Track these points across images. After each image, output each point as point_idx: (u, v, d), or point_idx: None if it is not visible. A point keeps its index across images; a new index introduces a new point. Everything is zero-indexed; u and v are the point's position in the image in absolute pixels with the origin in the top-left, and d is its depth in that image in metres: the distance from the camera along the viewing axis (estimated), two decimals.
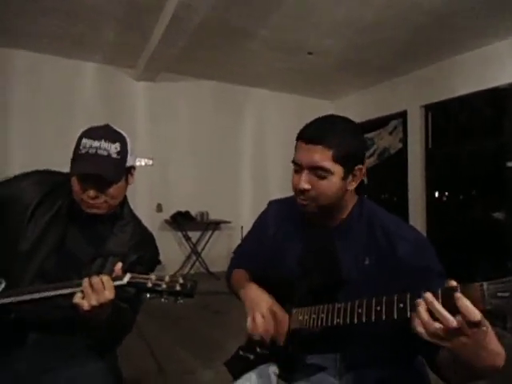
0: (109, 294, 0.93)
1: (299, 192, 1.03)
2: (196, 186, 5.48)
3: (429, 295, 0.70)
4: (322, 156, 0.98)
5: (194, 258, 5.42)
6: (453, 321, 0.66)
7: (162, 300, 0.94)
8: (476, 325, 0.66)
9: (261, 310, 1.00)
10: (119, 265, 0.99)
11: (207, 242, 5.45)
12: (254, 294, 1.06)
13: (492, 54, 4.30)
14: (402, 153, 5.43)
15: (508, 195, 4.26)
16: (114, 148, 1.12)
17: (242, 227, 4.83)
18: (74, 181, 1.12)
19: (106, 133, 1.14)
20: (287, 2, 3.50)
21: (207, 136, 5.65)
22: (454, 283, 0.70)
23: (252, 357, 1.11)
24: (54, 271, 1.12)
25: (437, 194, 5.17)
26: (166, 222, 5.33)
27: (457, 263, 4.52)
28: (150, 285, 0.93)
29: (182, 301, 0.94)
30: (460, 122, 4.87)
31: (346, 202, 1.08)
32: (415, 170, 5.21)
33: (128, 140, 1.18)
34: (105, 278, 0.95)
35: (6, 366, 1.06)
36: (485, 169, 4.65)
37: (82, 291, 0.94)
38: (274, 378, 1.06)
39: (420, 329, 0.70)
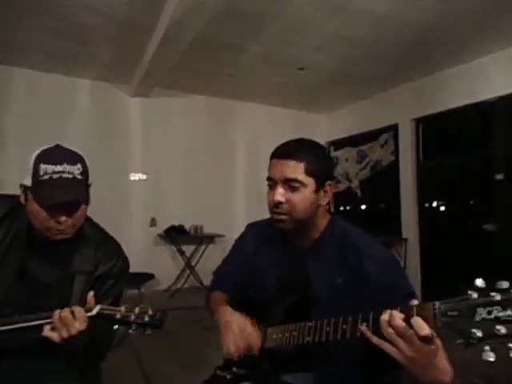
0: (79, 326, 0.93)
1: (274, 206, 1.06)
2: (190, 200, 5.50)
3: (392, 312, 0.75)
4: (294, 169, 1.04)
5: (187, 271, 5.41)
6: (408, 330, 0.71)
7: (130, 331, 0.94)
8: (426, 340, 0.70)
9: (232, 328, 1.04)
10: (91, 294, 1.00)
11: (201, 255, 5.46)
12: (227, 316, 1.10)
13: (479, 67, 4.39)
14: (394, 165, 5.48)
15: (497, 207, 4.31)
16: (76, 169, 1.08)
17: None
18: (37, 210, 1.05)
19: (65, 155, 1.09)
20: (278, 19, 3.57)
21: (201, 150, 5.70)
22: (414, 302, 0.74)
23: (229, 376, 1.13)
24: (21, 300, 1.09)
25: (428, 205, 5.20)
26: (160, 236, 5.33)
27: (447, 273, 4.55)
28: (119, 316, 0.94)
29: (150, 331, 0.95)
30: (450, 135, 4.93)
31: (318, 219, 1.11)
32: (407, 181, 5.26)
33: (85, 158, 1.14)
34: (76, 309, 0.94)
35: None
36: (474, 181, 4.70)
37: (52, 323, 0.94)
38: None
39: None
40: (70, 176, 1.06)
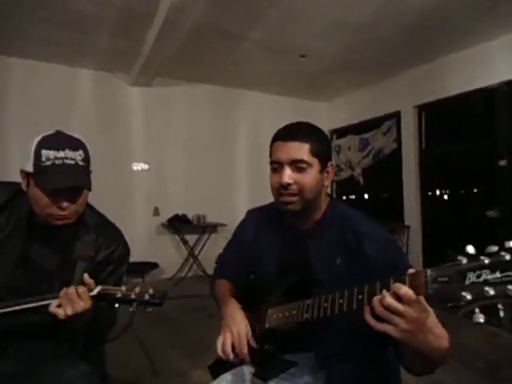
0: (84, 304, 0.95)
1: (282, 188, 1.06)
2: (192, 189, 5.52)
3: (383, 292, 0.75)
4: (300, 150, 1.05)
5: (191, 260, 5.45)
6: (399, 305, 0.71)
7: (131, 309, 0.96)
8: (413, 303, 0.70)
9: (232, 332, 1.06)
10: (86, 275, 1.01)
11: (204, 244, 5.49)
12: (231, 314, 1.12)
13: (482, 53, 4.33)
14: (397, 153, 5.45)
15: (501, 194, 4.29)
16: (78, 155, 1.08)
17: None
18: (40, 196, 1.06)
19: (67, 141, 1.10)
20: (278, 5, 3.53)
21: (203, 139, 5.69)
22: (411, 271, 0.75)
23: (231, 359, 1.14)
24: (23, 286, 1.10)
25: (431, 193, 5.19)
26: (163, 225, 5.36)
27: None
28: (119, 295, 0.96)
29: (150, 309, 0.98)
30: (452, 122, 4.89)
31: (320, 201, 1.12)
32: (410, 169, 5.24)
33: (87, 145, 1.15)
34: (81, 289, 0.96)
35: None
36: (478, 168, 4.68)
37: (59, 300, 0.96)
38: (248, 377, 1.09)
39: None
40: (73, 162, 1.07)
